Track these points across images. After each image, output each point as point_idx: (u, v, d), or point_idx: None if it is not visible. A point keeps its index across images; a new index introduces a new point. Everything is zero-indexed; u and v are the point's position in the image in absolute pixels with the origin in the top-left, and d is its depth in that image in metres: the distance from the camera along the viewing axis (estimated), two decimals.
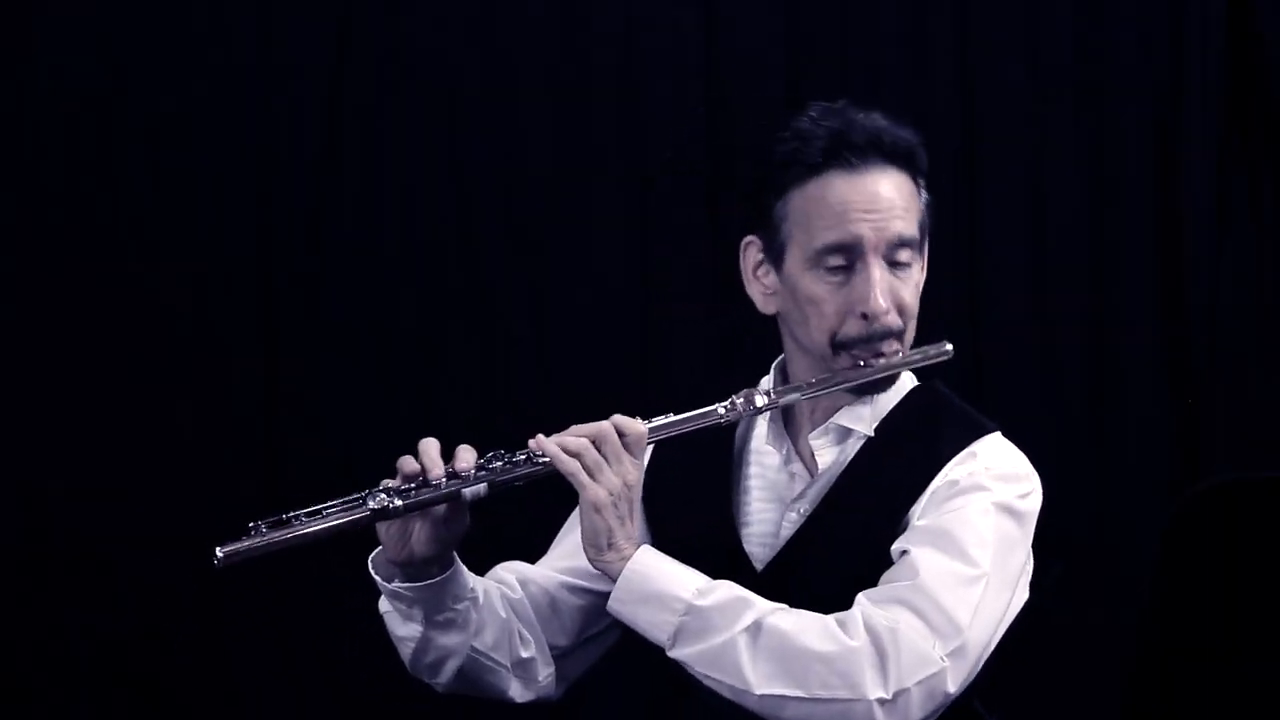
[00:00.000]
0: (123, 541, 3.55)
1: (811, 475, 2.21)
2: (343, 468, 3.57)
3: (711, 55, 3.67)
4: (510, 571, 2.29)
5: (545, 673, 2.25)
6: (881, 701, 1.99)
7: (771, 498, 2.23)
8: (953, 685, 2.03)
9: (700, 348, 3.63)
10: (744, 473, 2.26)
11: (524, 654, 2.22)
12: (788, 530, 2.19)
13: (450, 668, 2.18)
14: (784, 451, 2.23)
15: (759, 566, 2.19)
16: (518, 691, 2.23)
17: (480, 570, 2.26)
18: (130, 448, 3.57)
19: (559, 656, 2.27)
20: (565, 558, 2.28)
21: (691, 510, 2.23)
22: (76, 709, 3.58)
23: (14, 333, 3.57)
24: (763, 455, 2.25)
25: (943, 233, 3.61)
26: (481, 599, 2.18)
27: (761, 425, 2.26)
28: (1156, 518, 3.07)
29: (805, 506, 2.19)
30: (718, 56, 3.67)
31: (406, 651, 2.19)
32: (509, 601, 2.23)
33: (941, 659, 2.01)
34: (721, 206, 3.61)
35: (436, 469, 2.08)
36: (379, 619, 2.21)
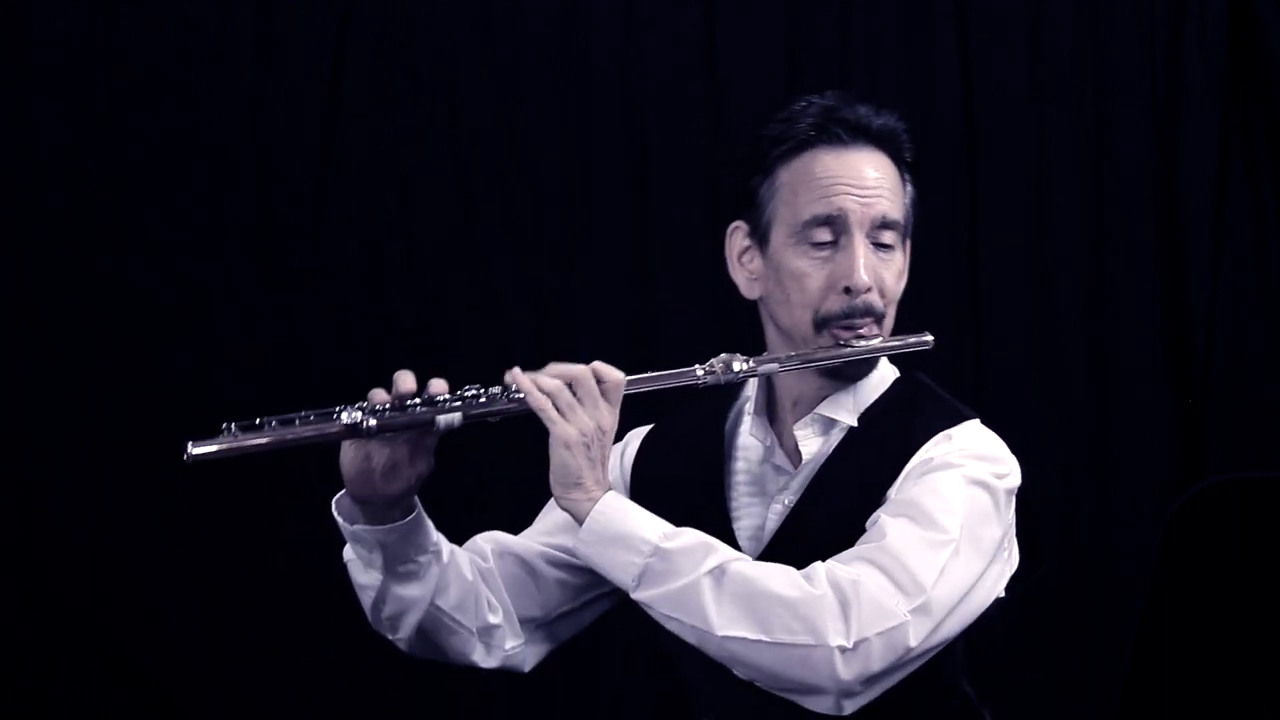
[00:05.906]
0: (123, 538, 3.56)
1: (795, 467, 2.22)
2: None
3: (711, 55, 3.67)
4: (489, 541, 2.29)
5: (513, 643, 2.24)
6: (842, 650, 1.99)
7: (756, 491, 2.23)
8: (914, 639, 2.02)
9: (700, 346, 3.62)
10: (731, 466, 2.27)
11: (491, 620, 2.21)
12: (773, 523, 2.20)
13: (409, 622, 2.17)
14: (768, 443, 2.24)
15: None
16: (481, 656, 2.22)
17: (460, 540, 2.25)
18: (129, 445, 3.58)
19: (532, 629, 2.26)
20: (548, 533, 2.28)
21: (685, 505, 2.22)
22: (76, 708, 3.58)
23: (13, 331, 3.58)
24: (748, 449, 2.26)
25: (943, 232, 3.65)
26: (446, 557, 2.17)
27: (747, 418, 2.27)
28: (1156, 518, 3.07)
29: (789, 498, 2.20)
30: (717, 56, 3.67)
31: (367, 600, 2.17)
32: (479, 569, 2.23)
33: (904, 614, 2.01)
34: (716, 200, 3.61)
35: (409, 386, 2.08)
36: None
